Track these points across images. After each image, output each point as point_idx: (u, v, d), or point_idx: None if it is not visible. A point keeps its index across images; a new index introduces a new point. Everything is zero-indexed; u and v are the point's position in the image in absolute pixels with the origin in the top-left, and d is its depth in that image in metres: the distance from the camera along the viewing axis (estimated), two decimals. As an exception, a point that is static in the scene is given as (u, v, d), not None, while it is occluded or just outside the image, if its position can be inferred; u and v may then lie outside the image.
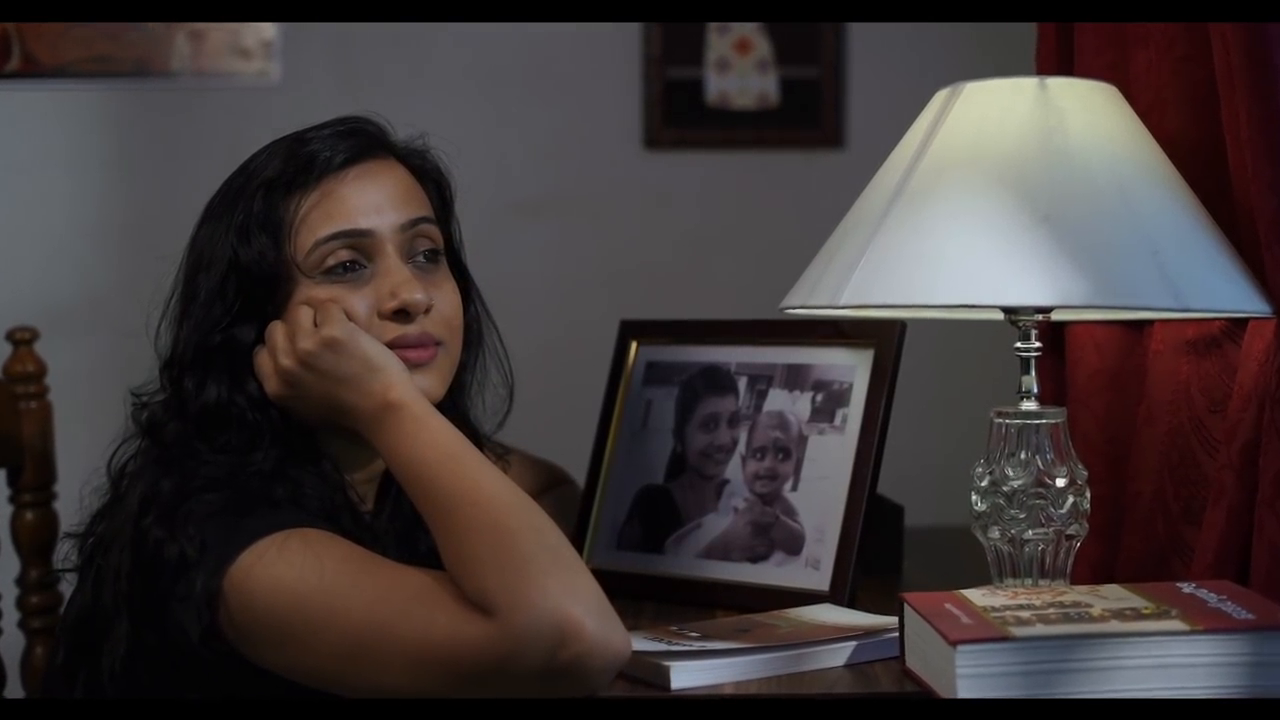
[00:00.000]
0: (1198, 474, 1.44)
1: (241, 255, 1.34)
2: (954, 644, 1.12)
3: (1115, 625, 1.15)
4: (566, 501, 1.72)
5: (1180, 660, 1.13)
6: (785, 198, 2.84)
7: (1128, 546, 1.52)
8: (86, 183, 2.80)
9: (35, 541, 1.80)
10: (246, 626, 1.22)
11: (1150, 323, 1.54)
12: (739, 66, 2.83)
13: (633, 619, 1.43)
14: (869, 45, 2.83)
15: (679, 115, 2.83)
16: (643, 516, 1.64)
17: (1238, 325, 1.42)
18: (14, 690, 1.78)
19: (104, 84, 2.75)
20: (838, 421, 1.54)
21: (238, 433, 1.33)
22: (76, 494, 1.41)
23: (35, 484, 1.80)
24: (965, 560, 1.62)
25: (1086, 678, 1.12)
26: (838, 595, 1.47)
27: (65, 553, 1.39)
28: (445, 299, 1.39)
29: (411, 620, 1.18)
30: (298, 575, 1.21)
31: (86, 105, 2.79)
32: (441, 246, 1.41)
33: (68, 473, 1.77)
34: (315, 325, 1.32)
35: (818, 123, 2.83)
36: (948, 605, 1.22)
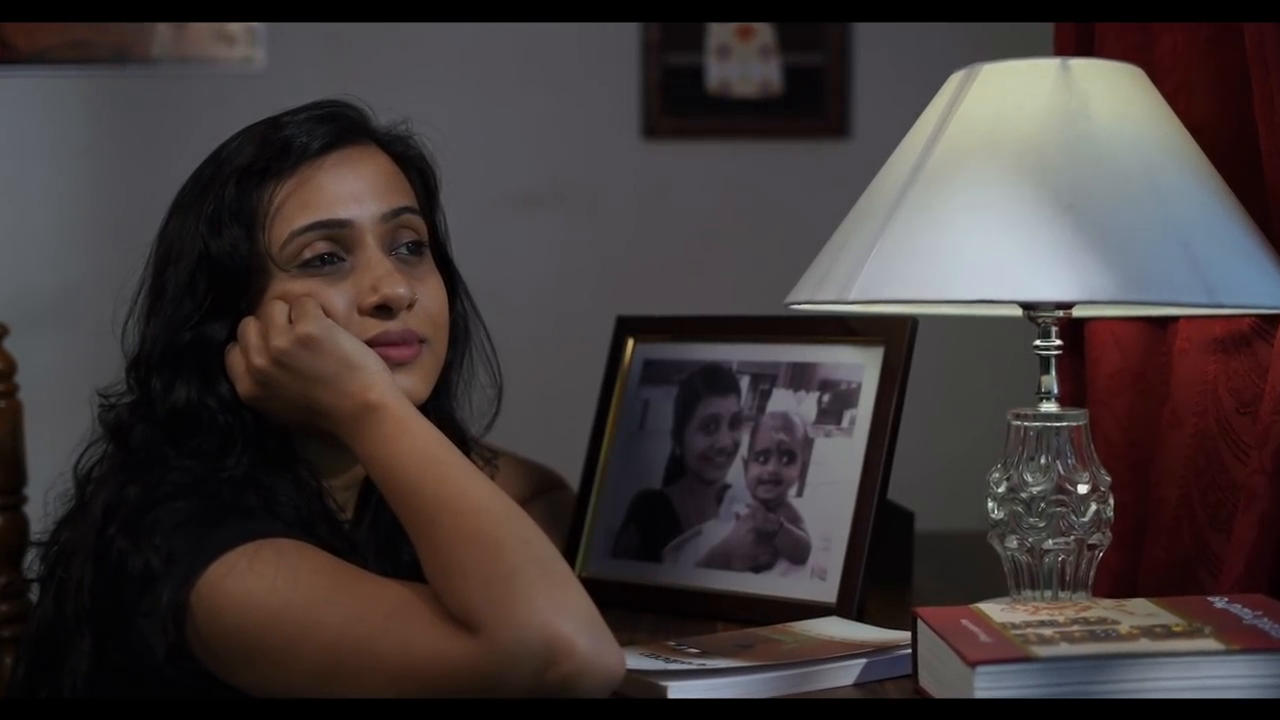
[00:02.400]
0: (1226, 479, 1.41)
1: (212, 247, 1.31)
2: (972, 665, 1.08)
3: (1145, 644, 1.11)
4: (559, 507, 1.70)
5: (1216, 682, 1.08)
6: (789, 189, 2.84)
7: (1151, 556, 1.50)
8: (63, 173, 2.81)
9: (4, 547, 1.76)
10: (215, 643, 1.19)
11: (1175, 319, 1.52)
12: (740, 53, 2.80)
13: (628, 633, 1.41)
14: (875, 31, 2.84)
15: (678, 104, 2.82)
16: (639, 523, 1.61)
17: (1268, 322, 1.39)
18: (-19, 700, 1.74)
19: (83, 71, 2.77)
20: (845, 423, 1.51)
21: (208, 436, 1.30)
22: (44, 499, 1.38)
23: (4, 487, 1.77)
24: (980, 569, 1.61)
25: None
26: (845, 607, 1.45)
27: (30, 560, 1.38)
28: (429, 293, 1.35)
29: (390, 637, 1.14)
30: (269, 588, 1.17)
31: (64, 93, 2.81)
32: (425, 238, 1.38)
33: (39, 475, 1.73)
34: (290, 321, 1.28)
35: (822, 111, 2.82)
36: (964, 621, 1.18)
